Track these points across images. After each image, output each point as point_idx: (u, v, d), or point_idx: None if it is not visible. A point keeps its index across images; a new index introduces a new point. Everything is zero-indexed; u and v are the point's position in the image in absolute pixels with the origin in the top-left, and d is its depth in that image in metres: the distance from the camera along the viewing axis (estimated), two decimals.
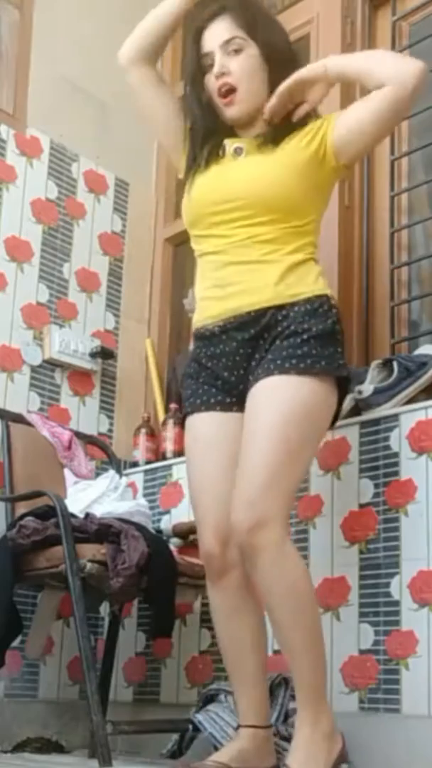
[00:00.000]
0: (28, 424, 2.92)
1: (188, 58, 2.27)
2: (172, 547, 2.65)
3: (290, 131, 2.18)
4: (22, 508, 2.64)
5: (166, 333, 3.55)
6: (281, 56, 2.21)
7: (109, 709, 2.71)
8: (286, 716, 2.34)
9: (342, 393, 2.13)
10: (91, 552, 2.39)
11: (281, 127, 2.18)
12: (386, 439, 2.51)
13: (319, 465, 2.62)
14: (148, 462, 3.24)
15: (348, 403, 2.62)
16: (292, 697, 2.20)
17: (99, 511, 2.67)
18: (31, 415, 2.97)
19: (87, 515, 2.55)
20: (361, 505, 2.51)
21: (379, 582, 2.43)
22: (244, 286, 2.12)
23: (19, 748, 2.74)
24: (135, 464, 3.26)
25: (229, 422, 2.13)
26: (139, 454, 3.27)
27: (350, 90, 2.73)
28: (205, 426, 2.17)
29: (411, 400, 2.55)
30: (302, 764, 1.92)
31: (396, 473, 2.46)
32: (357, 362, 2.84)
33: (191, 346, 2.31)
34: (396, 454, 2.47)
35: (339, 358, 2.10)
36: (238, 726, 2.13)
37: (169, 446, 3.18)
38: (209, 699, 2.51)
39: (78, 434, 3.06)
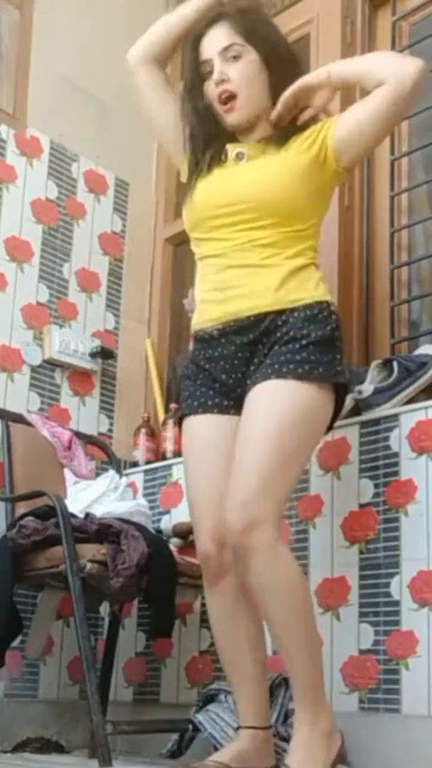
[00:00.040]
0: (28, 424, 2.92)
1: (186, 65, 2.27)
2: (172, 547, 2.65)
3: (293, 134, 2.18)
4: (22, 508, 2.64)
5: (166, 333, 3.55)
6: (280, 60, 2.21)
7: (109, 709, 2.71)
8: (286, 717, 2.34)
9: (339, 400, 2.14)
10: (91, 552, 2.39)
11: (284, 130, 2.19)
12: (386, 439, 2.51)
13: (319, 465, 2.62)
14: (148, 462, 3.24)
15: (348, 403, 2.62)
16: (292, 698, 2.20)
17: (99, 511, 2.67)
18: (31, 415, 2.97)
19: (87, 515, 2.55)
20: (361, 505, 2.52)
21: (379, 582, 2.43)
22: (245, 290, 2.12)
23: (19, 748, 2.74)
24: (135, 464, 3.26)
25: (226, 425, 2.13)
26: (139, 454, 3.27)
27: (350, 93, 2.73)
28: (202, 428, 2.17)
29: (411, 400, 2.55)
30: (301, 764, 1.92)
31: (396, 473, 2.46)
32: (357, 362, 2.84)
33: (191, 347, 2.32)
34: (396, 454, 2.47)
35: (337, 364, 2.09)
36: (238, 727, 2.13)
37: (169, 446, 3.18)
38: (209, 699, 2.51)
39: (78, 434, 3.06)
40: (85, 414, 3.24)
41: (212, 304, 2.18)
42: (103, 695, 2.64)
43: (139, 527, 2.50)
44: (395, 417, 2.51)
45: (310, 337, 2.06)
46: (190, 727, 2.48)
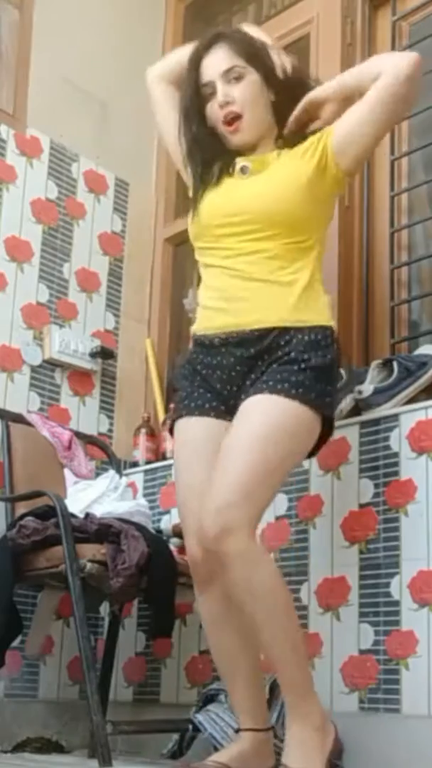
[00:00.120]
0: (28, 424, 2.92)
1: (185, 87, 2.28)
2: (172, 547, 2.65)
3: (295, 146, 2.21)
4: (22, 508, 2.64)
5: (166, 333, 3.55)
6: (279, 79, 2.25)
7: (109, 709, 2.71)
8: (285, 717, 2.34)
9: (325, 433, 2.14)
10: (91, 552, 2.39)
11: (289, 142, 2.23)
12: (386, 439, 2.51)
13: (319, 465, 2.62)
14: (148, 462, 3.24)
15: (348, 403, 2.63)
16: None
17: (99, 511, 2.67)
18: (31, 415, 2.97)
19: (87, 515, 2.55)
20: (361, 505, 2.52)
21: (379, 582, 2.43)
22: (251, 304, 2.13)
23: (19, 748, 2.74)
24: (135, 464, 3.26)
25: (220, 429, 2.12)
26: (139, 454, 3.27)
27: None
28: (196, 430, 2.17)
29: (411, 400, 2.55)
30: (299, 761, 1.93)
31: (396, 473, 2.46)
32: (357, 362, 2.84)
33: (190, 347, 2.32)
34: (396, 454, 2.47)
35: (328, 395, 2.11)
36: (238, 729, 2.13)
37: (169, 446, 3.17)
38: (209, 699, 2.51)
39: (78, 434, 3.06)
40: (85, 414, 3.24)
41: (216, 312, 2.19)
42: (103, 695, 2.64)
43: (139, 527, 2.50)
44: (395, 417, 2.51)
45: (310, 362, 2.08)
46: (190, 727, 2.48)
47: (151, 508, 2.99)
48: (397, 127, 2.94)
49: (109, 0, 3.62)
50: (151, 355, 3.45)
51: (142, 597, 2.65)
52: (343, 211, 2.94)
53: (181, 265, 3.57)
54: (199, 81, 2.23)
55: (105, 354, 3.27)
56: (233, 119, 2.20)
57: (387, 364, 2.64)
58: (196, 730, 2.45)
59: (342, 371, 2.61)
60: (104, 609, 3.02)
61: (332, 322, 2.19)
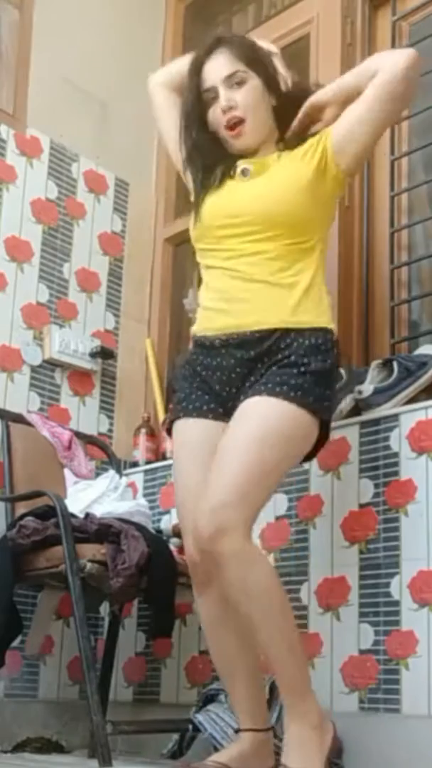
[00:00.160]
0: (28, 424, 2.92)
1: (187, 92, 2.29)
2: (172, 547, 2.65)
3: (298, 144, 2.22)
4: (22, 508, 2.64)
5: (166, 333, 3.55)
6: (279, 84, 2.27)
7: (109, 709, 2.71)
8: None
9: (321, 438, 2.15)
10: (91, 552, 2.39)
11: (289, 144, 2.25)
12: (386, 439, 2.51)
13: (319, 465, 2.62)
14: (148, 462, 3.24)
15: (348, 403, 2.63)
16: None
17: (99, 511, 2.67)
18: (31, 415, 2.97)
19: (87, 515, 2.55)
20: (361, 505, 2.52)
21: (379, 582, 2.43)
22: (253, 305, 2.14)
23: (19, 748, 2.74)
24: (135, 464, 3.26)
25: (218, 431, 2.12)
26: (139, 454, 3.27)
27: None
28: (195, 432, 2.17)
29: (411, 400, 2.55)
30: (298, 761, 1.93)
31: (396, 473, 2.46)
32: (357, 362, 2.84)
33: (191, 346, 2.32)
34: (396, 454, 2.47)
35: (326, 399, 2.12)
36: (237, 729, 2.13)
37: (169, 446, 3.17)
38: (209, 699, 2.51)
39: (78, 434, 3.06)
40: (85, 414, 3.24)
41: (217, 313, 2.19)
42: (103, 695, 2.64)
43: (139, 527, 2.50)
44: (395, 417, 2.51)
45: (310, 366, 2.08)
46: (190, 727, 2.48)
47: (151, 508, 2.99)
48: (397, 127, 2.94)
49: (109, 0, 3.62)
50: (151, 355, 3.45)
51: (142, 597, 2.65)
52: (343, 211, 2.94)
53: (181, 265, 3.57)
54: (201, 86, 2.24)
55: (105, 354, 3.27)
56: (236, 124, 2.21)
57: (387, 364, 2.64)
58: (196, 730, 2.45)
59: (342, 371, 2.61)
60: (104, 609, 3.02)
61: (333, 325, 2.19)
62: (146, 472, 3.20)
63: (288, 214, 2.15)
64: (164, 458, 3.18)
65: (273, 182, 2.19)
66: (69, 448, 2.96)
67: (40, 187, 3.26)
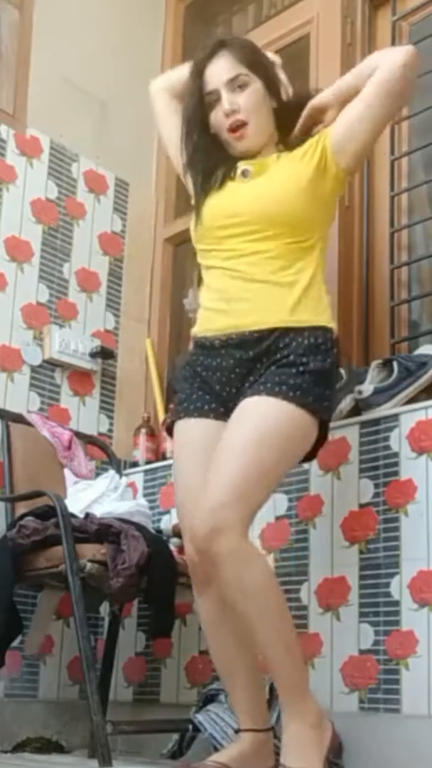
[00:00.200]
0: (28, 424, 2.92)
1: (189, 94, 2.30)
2: (172, 547, 2.65)
3: (297, 145, 2.24)
4: (22, 508, 2.64)
5: (166, 333, 3.55)
6: (279, 87, 2.30)
7: (109, 709, 2.71)
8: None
9: (321, 438, 2.15)
10: (91, 552, 2.39)
11: (289, 145, 2.27)
12: (386, 439, 2.51)
13: (319, 465, 2.62)
14: (148, 462, 3.24)
15: (348, 403, 2.63)
16: None
17: (99, 511, 2.67)
18: (31, 415, 2.97)
19: (87, 515, 2.55)
20: (361, 505, 2.51)
21: (379, 582, 2.43)
22: (252, 305, 2.14)
23: (19, 748, 2.74)
24: (135, 464, 3.26)
25: (218, 431, 2.12)
26: (139, 454, 3.27)
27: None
28: (195, 432, 2.18)
29: (411, 400, 2.55)
30: (298, 760, 1.94)
31: (396, 473, 2.46)
32: (357, 362, 2.84)
33: (191, 348, 2.32)
34: (396, 454, 2.47)
35: (326, 399, 2.12)
36: (238, 730, 2.13)
37: (168, 446, 3.17)
38: (209, 699, 2.51)
39: (78, 434, 3.06)
40: (85, 414, 3.24)
41: (216, 314, 2.20)
42: (103, 695, 2.64)
43: (139, 527, 2.50)
44: (395, 417, 2.51)
45: (309, 366, 2.09)
46: (190, 727, 2.48)
47: (151, 508, 2.99)
48: (397, 127, 2.94)
49: (109, 0, 3.62)
50: (151, 355, 3.45)
51: (142, 597, 2.65)
52: (343, 211, 2.94)
53: (181, 265, 3.57)
54: (204, 89, 2.25)
55: (105, 354, 3.27)
56: (238, 127, 2.23)
57: (387, 364, 2.64)
58: (196, 730, 2.45)
59: (342, 371, 2.61)
60: (104, 609, 3.02)
61: (333, 324, 2.19)
62: (146, 472, 3.20)
63: (288, 214, 2.16)
64: (164, 458, 3.18)
65: (273, 182, 2.20)
66: (69, 448, 2.96)
67: (40, 187, 3.26)
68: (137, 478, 3.21)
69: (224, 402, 2.16)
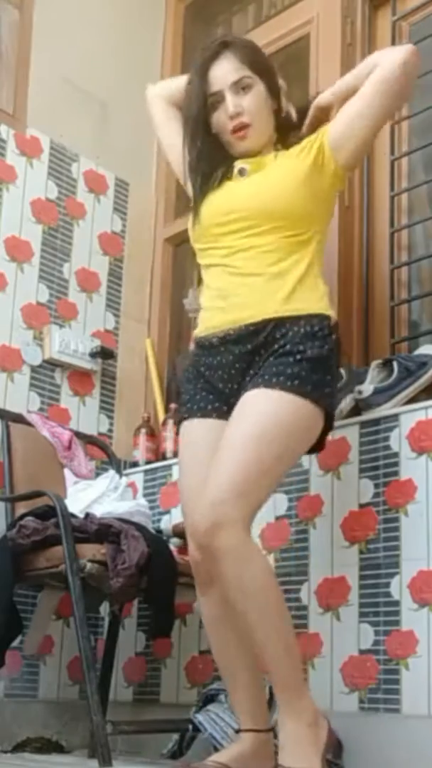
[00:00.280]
0: (28, 424, 2.92)
1: (191, 95, 2.30)
2: (172, 547, 2.65)
3: (294, 143, 2.26)
4: (22, 508, 2.64)
5: (166, 333, 3.55)
6: (278, 88, 2.32)
7: (109, 709, 2.71)
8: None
9: (327, 424, 2.14)
10: (91, 552, 2.39)
11: (287, 143, 2.29)
12: (386, 439, 2.51)
13: (319, 465, 2.62)
14: (148, 462, 3.24)
15: (348, 403, 2.63)
16: None
17: (99, 511, 2.67)
18: (31, 415, 2.97)
19: (87, 515, 2.55)
20: (361, 505, 2.51)
21: (379, 582, 2.43)
22: (247, 299, 2.15)
23: (19, 748, 2.74)
24: (135, 464, 3.26)
25: (223, 430, 2.11)
26: (139, 454, 3.27)
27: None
28: (200, 432, 2.18)
29: (411, 400, 2.55)
30: (296, 760, 1.93)
31: (396, 473, 2.46)
32: (357, 362, 2.84)
33: (191, 347, 2.33)
34: (396, 454, 2.47)
35: (325, 386, 2.10)
36: (238, 730, 2.14)
37: (169, 446, 3.18)
38: (209, 699, 2.51)
39: (78, 434, 3.06)
40: (85, 414, 3.24)
41: (215, 312, 2.21)
42: (103, 695, 2.64)
43: (139, 527, 2.50)
44: (395, 417, 2.51)
45: (305, 353, 2.08)
46: (190, 727, 2.48)
47: (151, 508, 2.99)
48: (397, 127, 2.94)
49: (109, 0, 3.62)
50: (151, 355, 3.45)
51: (142, 597, 2.65)
52: (343, 210, 2.94)
53: (181, 265, 3.57)
54: (207, 90, 2.25)
55: (105, 354, 3.27)
56: (242, 128, 2.24)
57: (387, 364, 2.64)
58: (196, 730, 2.45)
59: (342, 371, 2.61)
60: (104, 609, 3.02)
61: (331, 312, 2.19)
62: (146, 472, 3.20)
63: (284, 209, 2.17)
64: (164, 458, 3.18)
65: (269, 179, 2.21)
66: (69, 448, 2.96)
67: (40, 187, 3.26)
68: (137, 478, 3.21)
69: (227, 399, 2.16)
